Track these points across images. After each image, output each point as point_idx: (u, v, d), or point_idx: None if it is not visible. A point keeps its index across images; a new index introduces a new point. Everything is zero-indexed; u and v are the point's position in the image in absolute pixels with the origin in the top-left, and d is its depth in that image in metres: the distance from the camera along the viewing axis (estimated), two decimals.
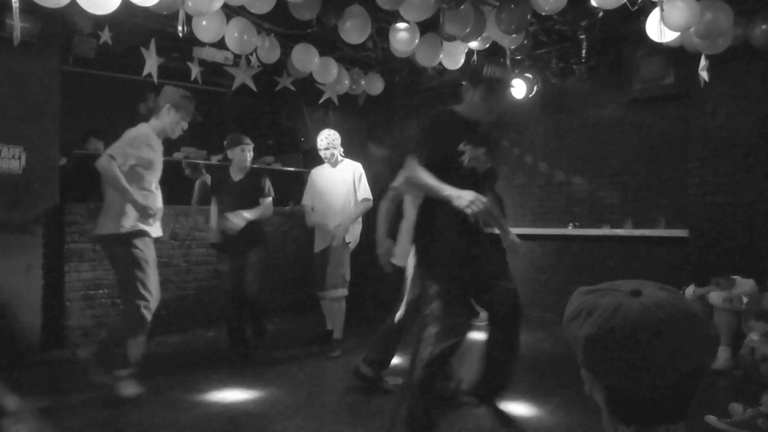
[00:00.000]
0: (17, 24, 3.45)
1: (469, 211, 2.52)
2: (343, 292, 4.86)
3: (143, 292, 3.55)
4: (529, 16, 4.36)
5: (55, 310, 4.67)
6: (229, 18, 4.50)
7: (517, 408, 3.58)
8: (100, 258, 4.78)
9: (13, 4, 3.35)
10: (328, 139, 4.91)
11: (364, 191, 4.93)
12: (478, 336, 3.68)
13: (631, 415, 0.95)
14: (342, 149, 5.03)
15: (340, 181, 4.92)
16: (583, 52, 5.44)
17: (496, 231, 3.06)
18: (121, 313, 3.86)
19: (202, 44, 4.98)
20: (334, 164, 4.96)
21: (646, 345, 0.89)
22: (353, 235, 4.93)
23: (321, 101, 6.21)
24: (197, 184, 6.67)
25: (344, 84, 5.93)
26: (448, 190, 2.61)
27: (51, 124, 4.68)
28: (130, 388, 3.59)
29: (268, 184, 4.83)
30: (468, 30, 4.43)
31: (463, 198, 2.54)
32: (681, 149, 5.54)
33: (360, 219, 4.99)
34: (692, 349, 0.91)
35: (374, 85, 6.26)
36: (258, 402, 3.70)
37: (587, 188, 6.23)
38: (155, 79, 5.00)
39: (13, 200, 4.45)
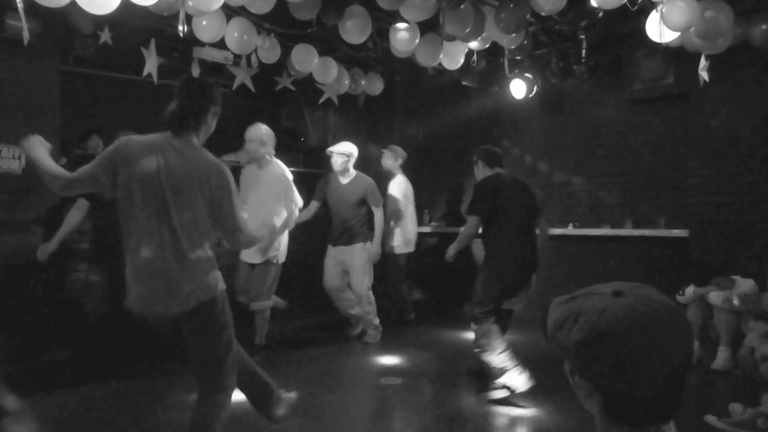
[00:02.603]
0: (24, 24, 3.45)
1: None
2: (267, 304, 4.68)
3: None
4: (528, 16, 4.36)
5: (54, 310, 4.67)
6: (229, 18, 4.50)
7: (518, 408, 3.58)
8: (99, 258, 4.79)
9: (18, 5, 3.35)
10: (251, 132, 4.51)
11: (291, 200, 4.55)
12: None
13: (628, 416, 0.95)
14: (272, 150, 4.63)
15: (263, 185, 4.52)
16: (583, 52, 5.43)
17: None
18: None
19: (202, 44, 4.98)
20: (261, 165, 4.55)
21: (637, 341, 0.90)
22: (277, 249, 4.64)
23: (321, 101, 6.21)
24: None
25: (344, 84, 5.93)
26: None
27: (51, 124, 4.68)
28: None
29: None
30: (468, 30, 4.43)
31: None
32: (681, 149, 5.54)
33: (285, 232, 4.70)
34: (678, 340, 0.93)
35: (374, 85, 6.26)
36: None
37: (587, 188, 6.23)
38: (155, 79, 5.00)
39: (13, 200, 4.45)
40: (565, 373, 1.02)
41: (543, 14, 4.36)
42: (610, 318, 0.92)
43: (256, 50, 4.99)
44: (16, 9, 3.45)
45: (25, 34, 3.54)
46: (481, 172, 4.25)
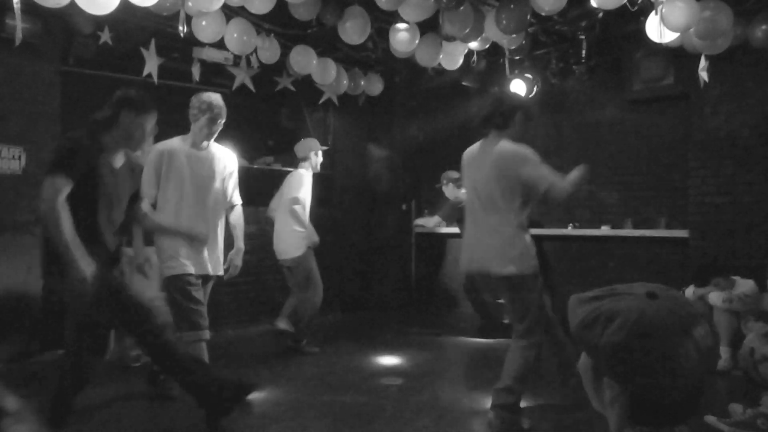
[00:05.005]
0: (19, 24, 3.45)
1: None
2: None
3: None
4: (528, 17, 4.36)
5: (54, 310, 4.67)
6: (228, 18, 4.50)
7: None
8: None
9: (15, 5, 3.35)
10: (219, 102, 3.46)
11: (237, 193, 3.73)
12: None
13: (652, 419, 0.93)
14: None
15: (213, 171, 3.54)
16: (583, 52, 5.44)
17: None
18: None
19: (202, 44, 4.98)
20: (205, 147, 3.54)
21: (679, 346, 0.89)
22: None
23: (321, 101, 6.21)
24: None
25: (344, 84, 5.93)
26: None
27: (51, 124, 4.68)
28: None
29: None
30: (467, 30, 4.43)
31: None
32: (681, 149, 5.54)
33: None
34: (713, 345, 0.94)
35: (374, 85, 6.26)
36: (258, 402, 3.70)
37: (587, 188, 6.22)
38: (155, 79, 5.00)
39: (13, 200, 4.45)
40: (580, 371, 1.00)
41: (543, 14, 4.36)
42: (652, 321, 0.90)
43: (255, 50, 4.99)
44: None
45: (18, 35, 3.53)
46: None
